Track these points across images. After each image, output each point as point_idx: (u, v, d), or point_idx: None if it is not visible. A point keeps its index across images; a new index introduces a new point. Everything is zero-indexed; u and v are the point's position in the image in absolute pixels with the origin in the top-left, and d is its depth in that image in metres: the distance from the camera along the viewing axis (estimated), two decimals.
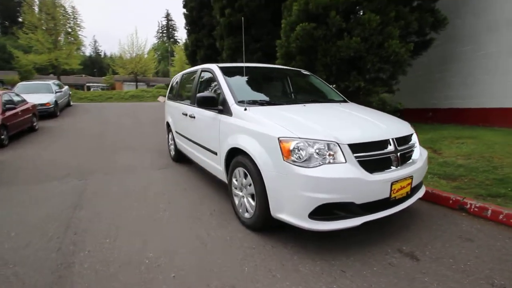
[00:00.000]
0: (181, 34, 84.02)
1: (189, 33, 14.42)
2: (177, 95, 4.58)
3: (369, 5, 5.19)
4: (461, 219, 2.52)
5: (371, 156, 2.02)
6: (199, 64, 4.59)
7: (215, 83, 3.11)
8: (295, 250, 2.06)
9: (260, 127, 2.22)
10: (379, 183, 1.96)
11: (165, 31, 69.48)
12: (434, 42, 6.15)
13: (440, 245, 2.10)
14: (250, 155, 2.22)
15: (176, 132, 4.44)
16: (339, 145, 1.94)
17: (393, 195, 2.05)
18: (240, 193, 2.53)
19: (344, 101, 3.31)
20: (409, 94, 7.56)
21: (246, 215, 2.44)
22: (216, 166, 2.96)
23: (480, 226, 2.39)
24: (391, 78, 5.84)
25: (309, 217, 1.88)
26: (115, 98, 21.48)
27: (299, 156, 1.94)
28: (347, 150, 1.95)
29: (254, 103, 2.64)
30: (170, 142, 5.05)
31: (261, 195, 2.17)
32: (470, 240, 2.17)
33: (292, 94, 3.44)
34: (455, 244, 2.13)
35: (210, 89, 3.30)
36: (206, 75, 3.46)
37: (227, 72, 3.12)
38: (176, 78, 4.92)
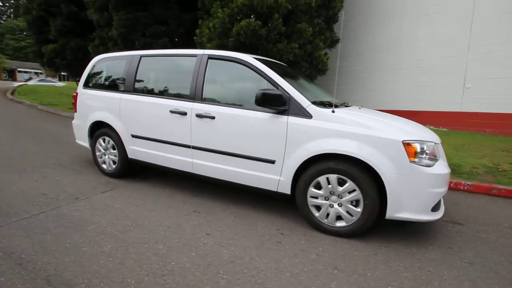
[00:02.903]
0: None
1: None
2: (129, 85, 3.27)
3: (302, 15, 5.82)
4: None
5: None
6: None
7: (249, 77, 2.59)
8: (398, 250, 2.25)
9: (369, 130, 2.16)
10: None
11: None
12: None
13: None
14: (363, 159, 2.11)
15: (136, 136, 3.20)
16: (436, 145, 2.27)
17: None
18: (326, 202, 2.33)
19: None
20: None
21: (340, 224, 2.31)
22: (269, 176, 2.50)
23: None
24: None
25: (431, 211, 2.12)
26: None
27: (422, 157, 2.10)
28: (440, 149, 2.32)
29: (317, 103, 2.46)
30: (103, 151, 3.56)
31: (373, 199, 2.15)
32: None
33: (322, 95, 3.21)
34: None
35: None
36: (224, 66, 2.76)
37: (268, 65, 2.64)
38: (122, 61, 3.45)
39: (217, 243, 2.19)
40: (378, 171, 2.10)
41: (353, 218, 2.25)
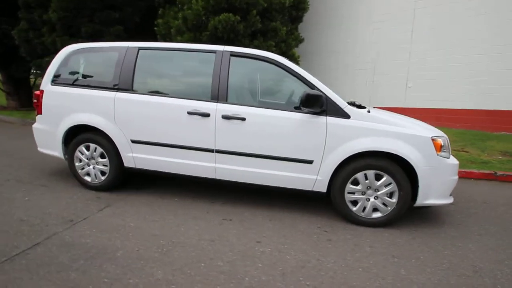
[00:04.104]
0: None
1: None
2: (126, 82, 2.79)
3: (276, 14, 5.89)
4: None
5: None
6: None
7: (278, 77, 2.54)
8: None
9: (403, 129, 2.38)
10: None
11: None
12: None
13: None
14: (403, 156, 2.32)
15: (138, 141, 2.79)
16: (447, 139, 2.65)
17: None
18: (363, 196, 2.49)
19: None
20: None
21: (376, 215, 2.49)
22: (306, 176, 2.52)
23: None
24: None
25: (450, 195, 2.48)
26: None
27: (445, 150, 2.43)
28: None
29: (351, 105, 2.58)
30: (86, 161, 3.00)
31: (407, 190, 2.39)
32: None
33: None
34: None
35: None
36: (248, 64, 2.61)
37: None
38: (112, 53, 2.90)
39: (275, 250, 2.11)
40: (413, 165, 2.34)
41: (389, 208, 2.46)
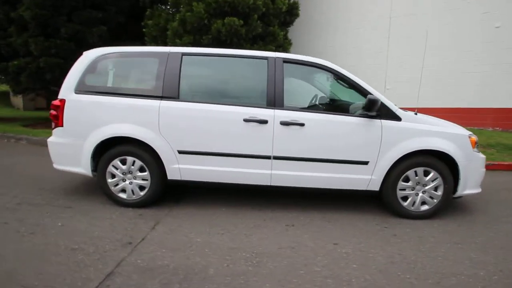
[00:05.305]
0: None
1: None
2: (171, 90, 2.62)
3: (274, 19, 5.99)
4: None
5: None
6: None
7: (332, 83, 2.64)
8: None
9: (446, 128, 2.66)
10: None
11: None
12: None
13: None
14: (449, 153, 2.58)
15: (187, 152, 2.65)
16: None
17: None
18: (412, 192, 2.70)
19: None
20: None
21: (424, 208, 2.73)
22: (360, 176, 2.65)
23: None
24: None
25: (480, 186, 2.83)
26: None
27: (477, 146, 2.76)
28: None
29: None
30: (121, 176, 2.75)
31: (450, 183, 2.66)
32: None
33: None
34: None
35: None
36: (301, 70, 2.66)
37: None
38: (151, 59, 2.71)
39: (356, 250, 2.20)
40: (456, 161, 2.62)
41: (435, 201, 2.72)
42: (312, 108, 2.70)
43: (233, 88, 2.78)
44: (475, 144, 2.75)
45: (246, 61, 2.73)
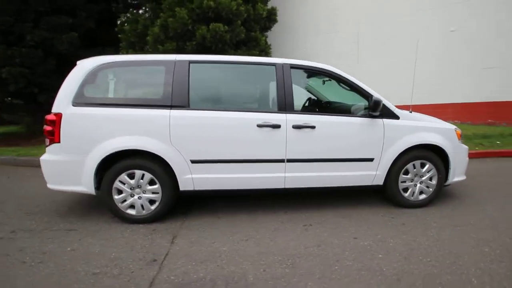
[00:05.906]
0: None
1: None
2: (181, 99, 2.55)
3: (255, 25, 6.08)
4: None
5: None
6: None
7: (336, 87, 2.79)
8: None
9: (436, 124, 2.96)
10: None
11: None
12: None
13: None
14: (440, 146, 2.86)
15: (200, 161, 2.61)
16: None
17: None
18: (411, 183, 2.95)
19: None
20: None
21: (422, 197, 2.99)
22: (367, 173, 2.84)
23: None
24: None
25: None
26: None
27: (462, 138, 3.10)
28: None
29: None
30: (129, 191, 2.62)
31: (442, 173, 2.96)
32: None
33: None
34: None
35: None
36: (307, 75, 2.77)
37: None
38: (157, 67, 2.62)
39: (376, 241, 2.34)
40: (447, 152, 2.92)
41: (430, 190, 3.00)
42: (321, 111, 2.83)
43: (242, 94, 2.81)
44: (460, 136, 3.10)
45: (254, 68, 2.77)
